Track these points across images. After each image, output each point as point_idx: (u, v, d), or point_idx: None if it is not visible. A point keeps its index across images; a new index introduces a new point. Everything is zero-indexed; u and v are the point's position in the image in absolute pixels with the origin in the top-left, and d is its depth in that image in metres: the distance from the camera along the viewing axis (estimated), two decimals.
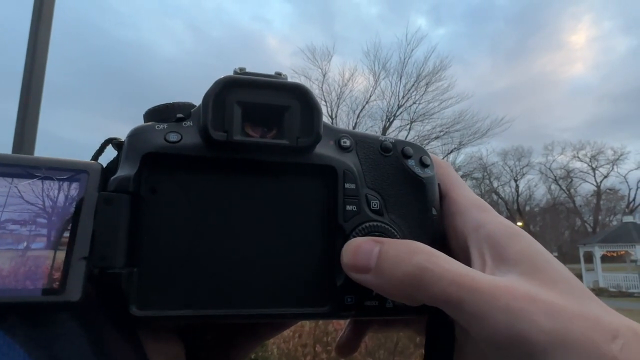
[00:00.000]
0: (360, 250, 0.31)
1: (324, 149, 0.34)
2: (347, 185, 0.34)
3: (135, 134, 0.31)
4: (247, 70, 0.34)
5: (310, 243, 0.33)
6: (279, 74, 0.34)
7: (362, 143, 0.36)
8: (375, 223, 0.33)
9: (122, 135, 0.32)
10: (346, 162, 0.34)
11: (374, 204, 0.34)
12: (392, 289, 0.29)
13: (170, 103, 0.33)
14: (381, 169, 0.36)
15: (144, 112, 0.33)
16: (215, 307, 0.30)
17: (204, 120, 0.31)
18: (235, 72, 0.33)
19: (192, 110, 0.33)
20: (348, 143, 0.36)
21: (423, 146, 0.38)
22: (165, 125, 0.32)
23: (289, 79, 0.34)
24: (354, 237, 0.32)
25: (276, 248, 0.32)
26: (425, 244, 0.34)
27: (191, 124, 0.32)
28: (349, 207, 0.33)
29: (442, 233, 0.36)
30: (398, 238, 0.33)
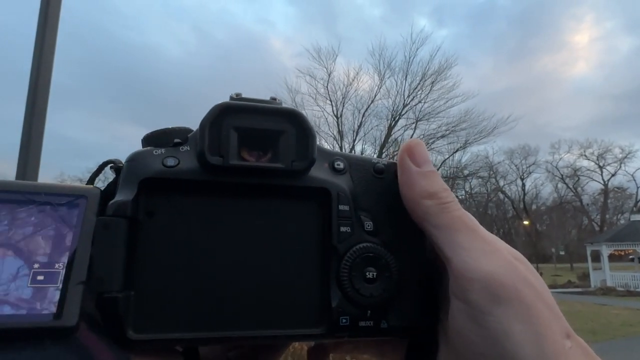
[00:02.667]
0: (427, 156, 0.35)
1: (318, 172, 0.35)
2: (341, 207, 0.34)
3: (133, 159, 0.32)
4: (243, 95, 0.34)
5: (305, 264, 0.34)
6: (273, 99, 0.35)
7: (355, 165, 0.37)
8: (368, 244, 0.34)
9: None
10: (340, 184, 0.35)
11: (368, 225, 0.35)
12: (420, 190, 0.34)
13: (168, 128, 0.34)
14: (375, 191, 0.36)
15: (142, 137, 0.34)
16: (211, 330, 0.31)
17: (200, 145, 0.32)
18: (231, 98, 0.34)
19: (189, 135, 0.34)
20: (342, 165, 0.36)
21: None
22: (163, 150, 0.32)
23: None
24: (348, 258, 0.33)
25: (271, 270, 0.33)
26: (419, 263, 0.35)
27: (188, 149, 0.33)
28: (343, 229, 0.34)
29: (435, 253, 0.37)
30: (391, 259, 0.34)
